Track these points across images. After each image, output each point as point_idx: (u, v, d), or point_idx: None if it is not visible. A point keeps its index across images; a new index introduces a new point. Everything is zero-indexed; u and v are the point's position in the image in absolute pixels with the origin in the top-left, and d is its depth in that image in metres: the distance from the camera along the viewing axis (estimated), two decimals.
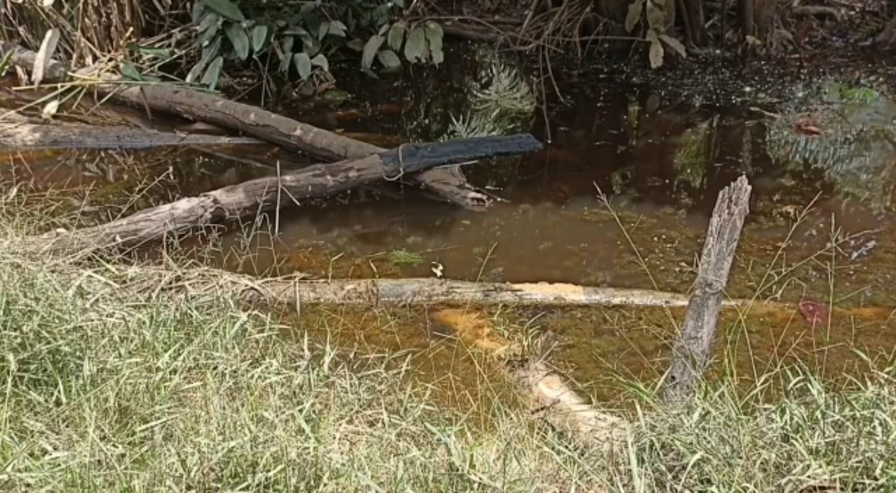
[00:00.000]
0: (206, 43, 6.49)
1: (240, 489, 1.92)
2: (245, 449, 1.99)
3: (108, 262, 3.41)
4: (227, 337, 2.66)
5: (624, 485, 2.01)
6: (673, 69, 6.98)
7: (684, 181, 5.36)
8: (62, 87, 6.19)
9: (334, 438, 2.16)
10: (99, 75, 6.42)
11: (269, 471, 1.95)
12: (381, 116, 6.43)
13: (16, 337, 2.43)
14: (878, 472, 1.93)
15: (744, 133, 5.99)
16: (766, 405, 2.18)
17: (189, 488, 1.94)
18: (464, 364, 3.00)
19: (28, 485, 1.92)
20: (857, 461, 1.97)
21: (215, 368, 2.46)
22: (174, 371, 2.41)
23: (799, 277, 3.30)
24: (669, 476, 2.02)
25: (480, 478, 1.98)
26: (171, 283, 3.52)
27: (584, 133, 6.10)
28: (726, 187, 2.75)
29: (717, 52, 7.35)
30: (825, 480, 1.93)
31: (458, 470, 2.00)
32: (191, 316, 2.82)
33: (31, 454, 2.02)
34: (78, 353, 2.47)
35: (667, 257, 4.09)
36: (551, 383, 3.09)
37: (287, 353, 2.63)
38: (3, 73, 6.81)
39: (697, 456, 1.99)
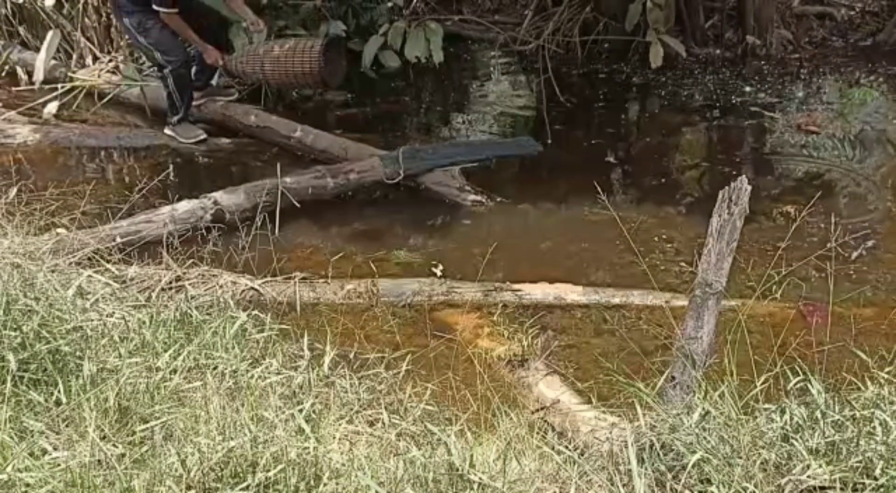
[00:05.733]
0: None
1: (240, 489, 1.92)
2: (245, 449, 1.99)
3: (108, 262, 3.41)
4: (227, 337, 2.66)
5: (624, 485, 2.01)
6: (673, 69, 6.97)
7: (684, 181, 5.36)
8: (62, 87, 6.18)
9: (334, 438, 2.16)
10: (99, 76, 6.42)
11: (269, 471, 1.95)
12: (381, 117, 6.43)
13: (16, 337, 2.43)
14: (878, 472, 1.93)
15: (744, 133, 5.99)
16: (766, 405, 2.17)
17: (189, 488, 1.94)
18: (464, 364, 3.00)
19: (28, 485, 1.92)
20: (857, 461, 1.97)
21: (215, 368, 2.46)
22: (174, 371, 2.41)
23: (799, 277, 3.30)
24: (669, 476, 2.02)
25: (480, 478, 1.98)
26: (171, 283, 3.53)
27: (584, 133, 6.09)
28: (726, 187, 2.74)
29: (717, 52, 7.34)
30: (825, 480, 1.93)
31: (458, 470, 2.00)
32: (191, 316, 2.82)
33: (31, 454, 2.02)
34: (78, 353, 2.47)
35: (667, 257, 4.09)
36: (551, 383, 3.09)
37: (287, 353, 2.63)
38: (3, 73, 6.81)
39: (697, 456, 1.99)
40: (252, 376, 2.40)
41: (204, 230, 4.00)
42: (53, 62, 6.60)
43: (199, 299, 3.07)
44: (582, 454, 2.24)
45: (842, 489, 1.93)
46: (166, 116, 5.73)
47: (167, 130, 5.71)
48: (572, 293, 3.77)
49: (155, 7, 5.17)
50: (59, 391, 2.29)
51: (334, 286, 3.79)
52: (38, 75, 6.49)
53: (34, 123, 5.90)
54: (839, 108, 6.20)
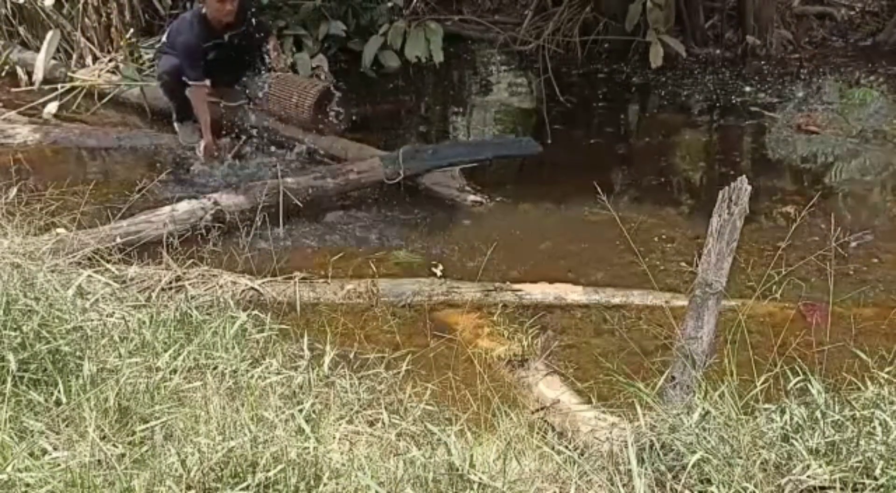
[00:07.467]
0: None
1: (240, 489, 1.92)
2: (245, 449, 1.99)
3: (108, 262, 3.41)
4: (227, 337, 2.65)
5: (624, 485, 2.01)
6: (673, 69, 6.98)
7: (684, 181, 5.36)
8: (62, 87, 6.18)
9: (334, 438, 2.16)
10: (99, 76, 6.42)
11: (269, 471, 1.95)
12: (381, 117, 6.42)
13: (16, 337, 2.43)
14: (878, 472, 1.93)
15: (744, 133, 5.99)
16: (766, 405, 2.17)
17: (189, 488, 1.94)
18: (464, 364, 3.00)
19: (28, 485, 1.92)
20: (857, 461, 1.96)
21: (215, 368, 2.46)
22: (174, 371, 2.41)
23: (799, 277, 3.30)
24: (669, 476, 2.02)
25: (480, 478, 1.98)
26: (171, 283, 3.52)
27: (584, 133, 6.09)
28: (726, 187, 2.74)
29: (717, 52, 7.35)
30: (825, 480, 1.93)
31: (458, 470, 2.00)
32: (191, 316, 2.82)
33: (31, 454, 2.02)
34: (78, 353, 2.47)
35: (667, 257, 4.09)
36: (551, 383, 3.09)
37: (287, 353, 2.63)
38: (3, 73, 6.81)
39: (697, 456, 1.99)
40: (252, 376, 2.39)
41: (204, 230, 4.00)
42: (53, 62, 6.60)
43: (199, 299, 3.06)
44: (582, 454, 2.24)
45: (842, 489, 1.93)
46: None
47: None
48: (572, 293, 3.77)
49: (184, 79, 5.32)
50: (59, 391, 2.28)
51: (334, 286, 3.79)
52: (38, 75, 6.49)
53: (34, 123, 5.90)
54: (839, 108, 6.20)
